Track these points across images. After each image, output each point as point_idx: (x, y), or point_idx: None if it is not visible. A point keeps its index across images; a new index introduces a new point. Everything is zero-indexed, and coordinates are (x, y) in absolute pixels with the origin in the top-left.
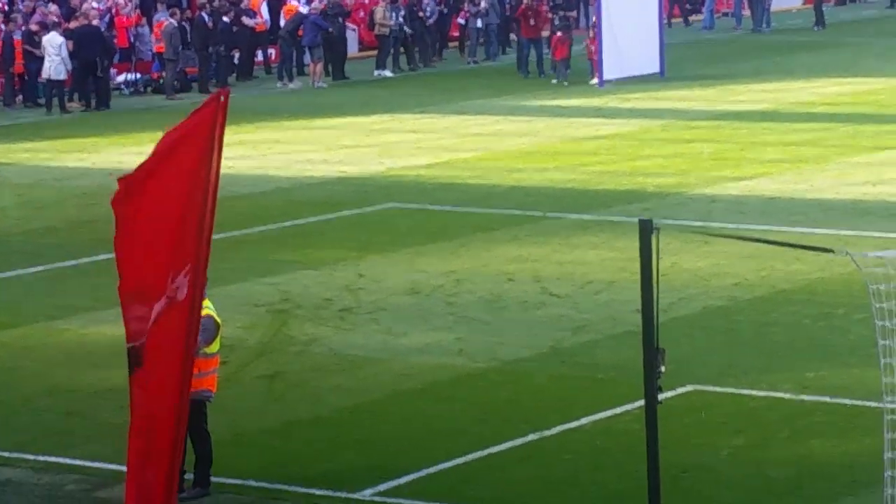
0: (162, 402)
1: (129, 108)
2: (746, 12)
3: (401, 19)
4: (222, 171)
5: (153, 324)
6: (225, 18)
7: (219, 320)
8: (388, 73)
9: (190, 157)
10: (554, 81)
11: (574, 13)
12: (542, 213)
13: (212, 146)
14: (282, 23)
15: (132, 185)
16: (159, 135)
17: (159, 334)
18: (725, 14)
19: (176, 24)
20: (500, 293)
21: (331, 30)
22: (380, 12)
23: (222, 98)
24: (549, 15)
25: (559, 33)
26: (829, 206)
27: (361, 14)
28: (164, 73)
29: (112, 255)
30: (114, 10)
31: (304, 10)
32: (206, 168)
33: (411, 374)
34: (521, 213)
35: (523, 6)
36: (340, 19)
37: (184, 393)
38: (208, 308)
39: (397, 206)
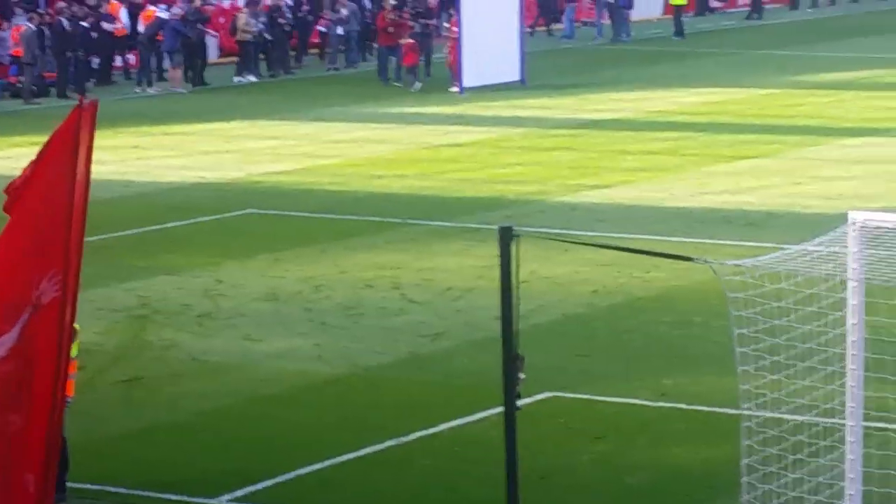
0: (36, 407)
1: None
2: (607, 21)
3: (261, 25)
4: None
5: (18, 336)
6: (84, 23)
7: (76, 325)
8: (252, 78)
9: (54, 165)
10: (398, 85)
11: (434, 21)
12: (402, 219)
13: (74, 151)
14: (140, 28)
15: (12, 194)
16: (15, 139)
17: (27, 342)
18: (586, 23)
19: (34, 28)
20: (359, 299)
21: (190, 36)
22: (242, 19)
23: (84, 105)
24: (410, 23)
25: (409, 40)
26: (687, 214)
27: (222, 20)
28: (21, 78)
29: None
30: None
31: (163, 15)
32: (70, 174)
33: (270, 380)
34: (381, 220)
35: (382, 15)
36: (200, 25)
37: (57, 396)
38: None
39: (257, 213)
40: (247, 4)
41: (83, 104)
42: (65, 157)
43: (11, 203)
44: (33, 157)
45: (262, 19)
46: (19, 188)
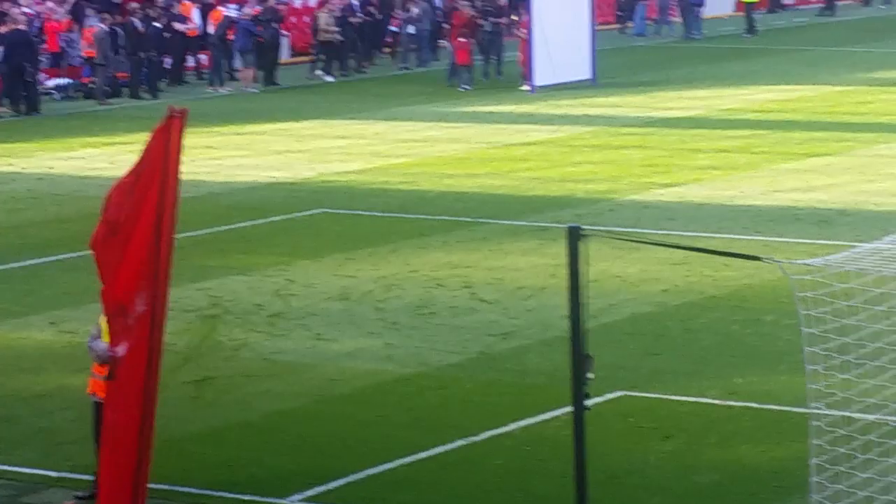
0: (128, 414)
1: (60, 113)
2: (678, 19)
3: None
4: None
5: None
6: (157, 24)
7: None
8: (329, 79)
9: (146, 174)
10: (461, 88)
11: (504, 19)
12: (473, 218)
13: (164, 163)
14: (211, 28)
15: (108, 199)
16: (89, 139)
17: (127, 351)
18: (657, 21)
19: (107, 29)
20: (429, 299)
21: (261, 37)
22: (324, 18)
23: (175, 113)
24: (479, 21)
25: (461, 39)
26: (758, 212)
27: (293, 20)
28: (94, 79)
29: (38, 261)
30: (44, 15)
31: (232, 14)
32: (159, 186)
33: (340, 380)
34: (452, 219)
35: (466, 18)
36: (274, 25)
37: (147, 406)
38: None
39: (328, 212)
40: (322, 4)
41: (174, 112)
42: (154, 167)
43: (107, 210)
44: (119, 160)
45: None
46: (115, 196)
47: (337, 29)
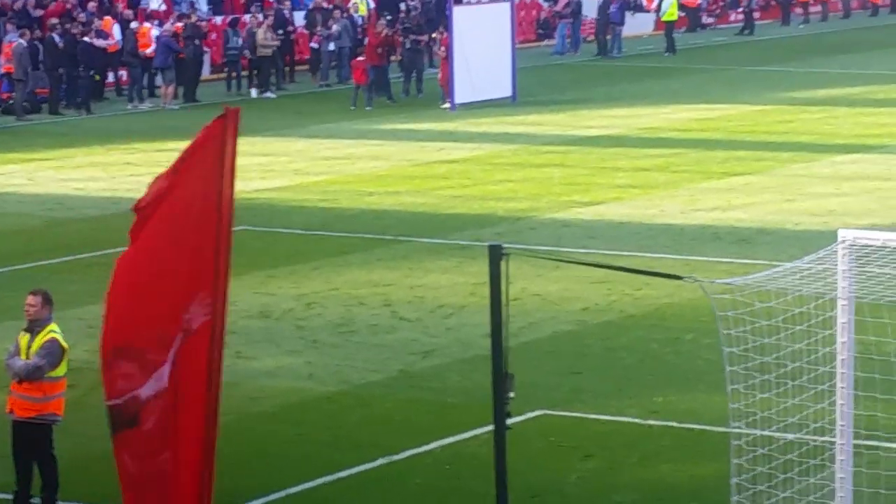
0: (185, 441)
1: None
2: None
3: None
4: (72, 192)
5: (172, 365)
6: (86, 38)
7: (65, 344)
8: (271, 95)
9: (198, 178)
10: (352, 108)
11: (425, 37)
12: (394, 236)
13: (219, 163)
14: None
15: (141, 213)
16: (8, 155)
17: (179, 371)
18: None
19: (25, 45)
20: (350, 317)
21: (182, 53)
22: (261, 34)
23: (228, 113)
24: (399, 39)
25: (359, 58)
26: (678, 231)
27: (214, 36)
28: (13, 94)
29: None
30: None
31: (155, 31)
32: (215, 188)
33: (261, 398)
34: (373, 237)
35: (382, 36)
36: (197, 41)
37: (209, 428)
38: (54, 331)
39: (248, 229)
40: (261, 23)
41: (226, 112)
42: (210, 170)
43: (142, 222)
44: (161, 171)
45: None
46: (151, 205)
47: (275, 44)
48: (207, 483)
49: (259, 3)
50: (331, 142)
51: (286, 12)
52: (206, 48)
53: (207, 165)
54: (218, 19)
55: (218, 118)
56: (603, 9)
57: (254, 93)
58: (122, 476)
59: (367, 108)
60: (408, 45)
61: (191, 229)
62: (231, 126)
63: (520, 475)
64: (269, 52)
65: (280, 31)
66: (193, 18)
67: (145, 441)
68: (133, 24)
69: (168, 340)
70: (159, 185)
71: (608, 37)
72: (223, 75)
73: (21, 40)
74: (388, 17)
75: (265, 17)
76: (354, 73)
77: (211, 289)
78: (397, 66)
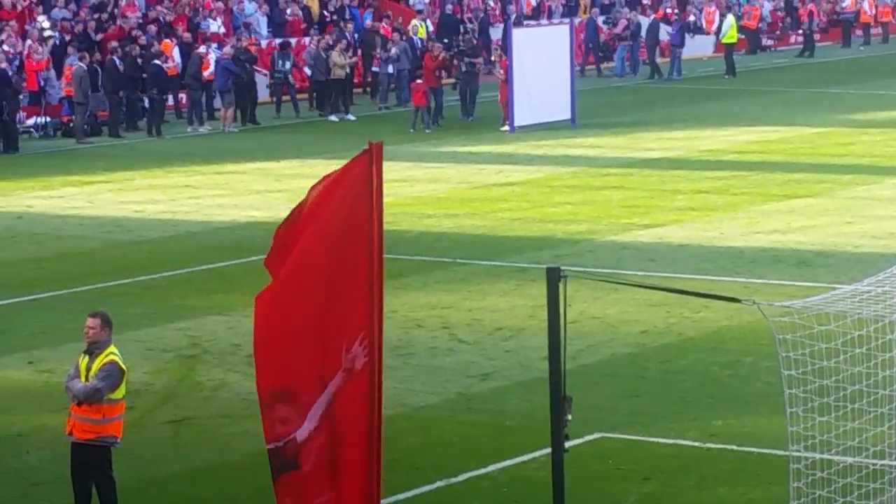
0: (348, 482)
1: (38, 152)
2: (662, 60)
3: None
4: (132, 214)
5: (328, 405)
6: (157, 62)
7: (124, 366)
8: (351, 117)
9: (346, 217)
10: (412, 130)
11: (480, 60)
12: (452, 259)
13: (370, 205)
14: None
15: (280, 255)
16: (68, 178)
17: (340, 412)
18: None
19: (85, 68)
20: (408, 340)
21: (242, 75)
22: (336, 55)
23: (372, 147)
24: (455, 62)
25: (417, 80)
26: (737, 254)
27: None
28: (73, 117)
29: (16, 300)
30: (24, 54)
31: (213, 54)
32: (365, 225)
33: None
34: (431, 260)
35: (440, 59)
36: (248, 65)
37: (373, 468)
38: (113, 353)
39: None
40: (332, 42)
41: (370, 147)
42: (358, 207)
43: (283, 258)
44: (295, 203)
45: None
46: (291, 241)
47: (352, 61)
48: None
49: (318, 27)
50: (390, 164)
51: (348, 35)
52: (263, 70)
53: (354, 202)
54: (263, 43)
55: (362, 153)
56: (651, 31)
57: (333, 117)
58: None
59: (427, 131)
60: (463, 69)
61: (344, 269)
62: (376, 160)
63: (577, 498)
64: (342, 74)
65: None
66: (244, 42)
67: (306, 483)
68: (202, 49)
69: (324, 380)
70: (299, 220)
71: (666, 59)
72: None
73: (81, 63)
74: (445, 41)
75: (335, 39)
76: (414, 95)
77: (369, 329)
78: (451, 88)
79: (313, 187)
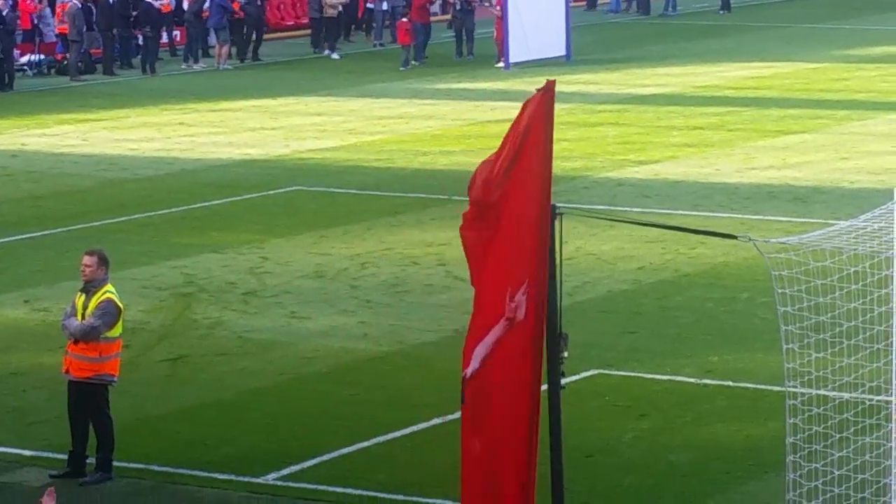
0: (509, 431)
1: (33, 90)
2: None
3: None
4: (127, 152)
5: (493, 350)
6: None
7: (121, 304)
8: (336, 56)
9: (524, 163)
10: (402, 69)
11: None
12: (448, 196)
13: (544, 144)
14: (185, 4)
15: (481, 199)
16: (63, 116)
17: (502, 360)
18: None
19: (79, 5)
20: (404, 277)
21: (237, 13)
22: None
23: (545, 87)
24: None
25: (404, 19)
26: (733, 190)
27: None
28: (67, 55)
29: (12, 238)
30: None
31: None
32: (540, 173)
33: (315, 358)
34: (427, 197)
35: None
36: (259, 1)
37: (533, 422)
38: (110, 292)
39: (302, 189)
40: None
41: (547, 85)
42: (534, 153)
43: (484, 204)
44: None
45: None
46: (486, 194)
47: (342, 2)
48: (532, 479)
49: None
50: (384, 101)
51: None
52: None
53: (532, 147)
54: None
55: (536, 96)
56: None
57: (334, 54)
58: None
59: (402, 69)
60: (458, 6)
61: (517, 211)
62: (547, 100)
63: (574, 434)
64: (335, 12)
65: None
66: None
67: (468, 420)
68: None
69: (488, 323)
70: (491, 171)
71: None
72: (279, 34)
73: (75, 1)
74: None
75: None
76: (399, 33)
77: (534, 278)
78: (446, 27)
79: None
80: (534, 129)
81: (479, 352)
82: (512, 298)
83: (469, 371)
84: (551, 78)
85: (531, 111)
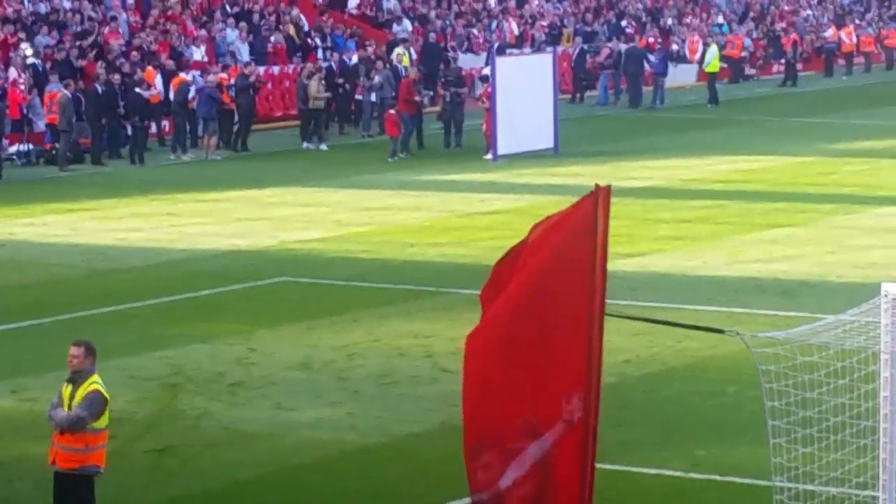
0: None
1: (22, 179)
2: (646, 88)
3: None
4: (115, 242)
5: (543, 455)
6: (137, 90)
7: (107, 395)
8: (323, 147)
9: (569, 263)
10: (390, 160)
11: (465, 90)
12: (435, 288)
13: (593, 252)
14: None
15: (493, 296)
16: (52, 206)
17: (553, 463)
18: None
19: (70, 95)
20: (391, 368)
21: (226, 104)
22: (314, 86)
23: (599, 190)
24: (441, 91)
25: (391, 112)
26: (721, 283)
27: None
28: (56, 145)
29: (2, 328)
30: (8, 84)
31: (188, 79)
32: (590, 276)
33: (303, 449)
34: (414, 288)
35: (405, 83)
36: (251, 91)
37: None
38: (97, 382)
39: (290, 280)
40: (312, 72)
41: (597, 189)
42: (582, 254)
43: (499, 290)
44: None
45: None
46: (505, 281)
47: (326, 95)
48: None
49: (301, 55)
50: (373, 192)
51: (334, 65)
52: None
53: (577, 248)
54: (260, 69)
55: (588, 195)
56: (635, 60)
57: (322, 145)
58: None
59: (390, 160)
60: (447, 98)
61: (563, 316)
62: (603, 205)
63: None
64: (320, 104)
65: (341, 82)
66: (248, 70)
67: None
68: (187, 77)
69: (537, 429)
70: (518, 258)
71: (650, 88)
72: (268, 125)
73: (65, 91)
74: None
75: (316, 69)
76: (387, 125)
77: (587, 385)
78: (435, 118)
79: (535, 226)
80: (577, 235)
81: (524, 460)
82: (568, 402)
83: (506, 481)
84: (604, 186)
85: (575, 211)
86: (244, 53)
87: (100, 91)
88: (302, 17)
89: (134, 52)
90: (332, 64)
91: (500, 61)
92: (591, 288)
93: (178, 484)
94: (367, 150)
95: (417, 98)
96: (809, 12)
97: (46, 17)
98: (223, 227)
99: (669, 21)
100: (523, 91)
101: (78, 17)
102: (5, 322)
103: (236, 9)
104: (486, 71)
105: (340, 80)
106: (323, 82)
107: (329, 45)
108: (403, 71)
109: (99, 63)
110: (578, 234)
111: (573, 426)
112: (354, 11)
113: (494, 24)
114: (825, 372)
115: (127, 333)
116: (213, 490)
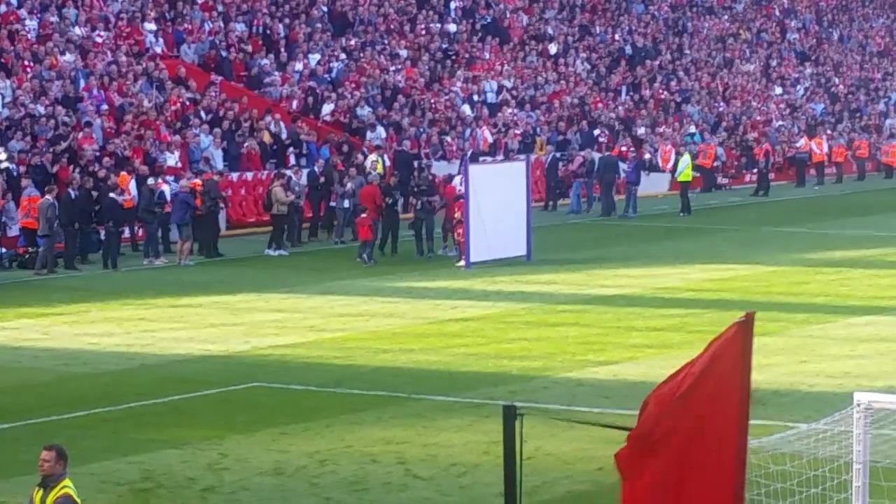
0: None
1: None
2: (618, 197)
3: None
4: (87, 346)
5: None
6: (112, 195)
7: (78, 500)
8: (284, 252)
9: (715, 397)
10: (359, 259)
11: (436, 198)
12: (407, 394)
13: (742, 387)
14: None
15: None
16: (24, 310)
17: None
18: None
19: (51, 201)
20: (364, 475)
21: (199, 210)
22: (280, 192)
23: (744, 320)
24: (412, 200)
25: (364, 216)
26: None
27: (228, 192)
28: (30, 249)
29: None
30: None
31: (164, 186)
32: (736, 408)
33: None
34: (387, 395)
35: (369, 192)
36: (216, 198)
37: None
38: (68, 487)
39: (262, 386)
40: (276, 177)
41: (747, 317)
42: (730, 384)
43: (648, 447)
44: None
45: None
46: (658, 428)
47: (290, 199)
48: None
49: (274, 162)
50: (345, 298)
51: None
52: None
53: (726, 381)
54: (233, 176)
55: (736, 324)
56: (608, 168)
57: (282, 251)
58: None
59: (365, 265)
60: (419, 206)
61: (714, 451)
62: (749, 336)
63: None
64: (284, 209)
65: (298, 189)
66: (217, 177)
67: None
68: (150, 181)
69: None
70: (667, 405)
71: (622, 196)
72: (240, 231)
73: (48, 196)
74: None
75: (276, 175)
76: (359, 230)
77: None
78: (407, 227)
79: (691, 362)
80: (729, 363)
81: None
82: None
83: None
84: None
85: (723, 345)
86: (218, 159)
87: (73, 196)
88: (282, 123)
89: (107, 158)
90: (317, 168)
91: (473, 168)
92: (738, 425)
93: None
94: (340, 257)
95: (381, 203)
96: (781, 123)
97: (20, 121)
98: (196, 333)
99: (642, 130)
100: (496, 198)
101: (52, 122)
102: None
103: (210, 115)
104: (458, 179)
105: (322, 180)
106: (290, 188)
107: (304, 151)
108: (377, 178)
109: (72, 168)
110: (727, 369)
111: None
112: (328, 118)
113: (468, 131)
114: (797, 481)
115: (98, 438)
116: None
